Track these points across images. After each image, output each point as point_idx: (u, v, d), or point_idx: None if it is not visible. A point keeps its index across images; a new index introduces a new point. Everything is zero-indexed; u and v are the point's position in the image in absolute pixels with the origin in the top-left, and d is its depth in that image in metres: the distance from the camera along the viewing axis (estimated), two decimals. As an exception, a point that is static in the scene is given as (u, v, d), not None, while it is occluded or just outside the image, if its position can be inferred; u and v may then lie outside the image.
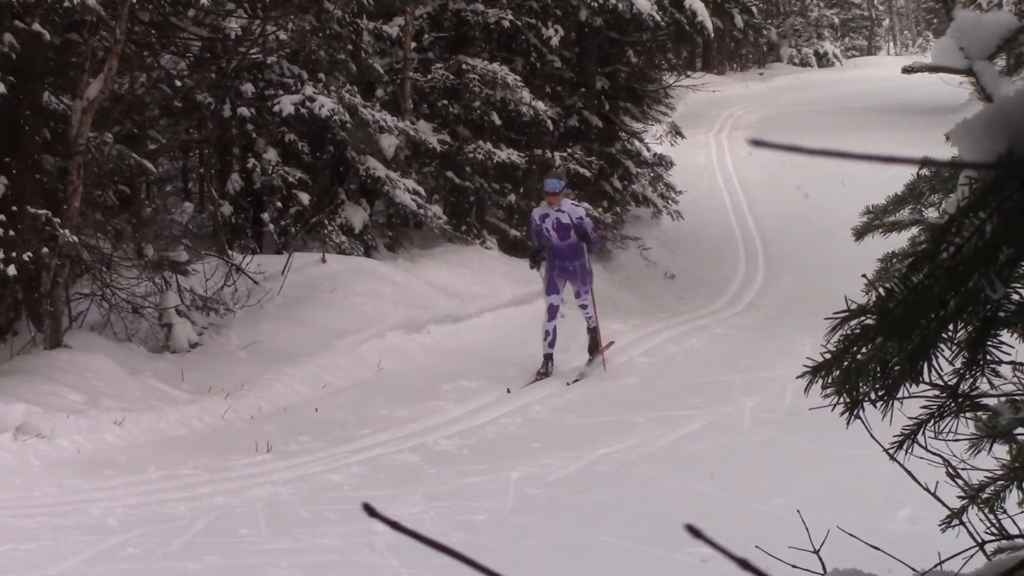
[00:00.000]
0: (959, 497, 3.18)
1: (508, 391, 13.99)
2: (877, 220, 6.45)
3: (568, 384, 14.35)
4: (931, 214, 6.39)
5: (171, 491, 10.33)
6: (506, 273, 19.46)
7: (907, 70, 1.83)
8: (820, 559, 3.25)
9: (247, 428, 12.60)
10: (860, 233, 6.50)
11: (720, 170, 31.76)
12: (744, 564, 1.19)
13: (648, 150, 25.09)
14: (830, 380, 1.76)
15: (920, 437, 2.98)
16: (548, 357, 14.78)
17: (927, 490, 2.93)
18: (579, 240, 14.63)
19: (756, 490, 9.50)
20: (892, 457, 3.08)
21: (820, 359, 1.79)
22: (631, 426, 12.45)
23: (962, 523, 2.45)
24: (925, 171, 6.93)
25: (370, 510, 1.17)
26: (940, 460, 3.07)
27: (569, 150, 21.96)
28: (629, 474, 10.66)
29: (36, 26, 13.36)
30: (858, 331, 1.66)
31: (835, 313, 1.74)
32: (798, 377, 1.88)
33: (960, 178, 1.60)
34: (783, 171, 30.49)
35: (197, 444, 11.99)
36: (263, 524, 9.30)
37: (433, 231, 19.61)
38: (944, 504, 2.81)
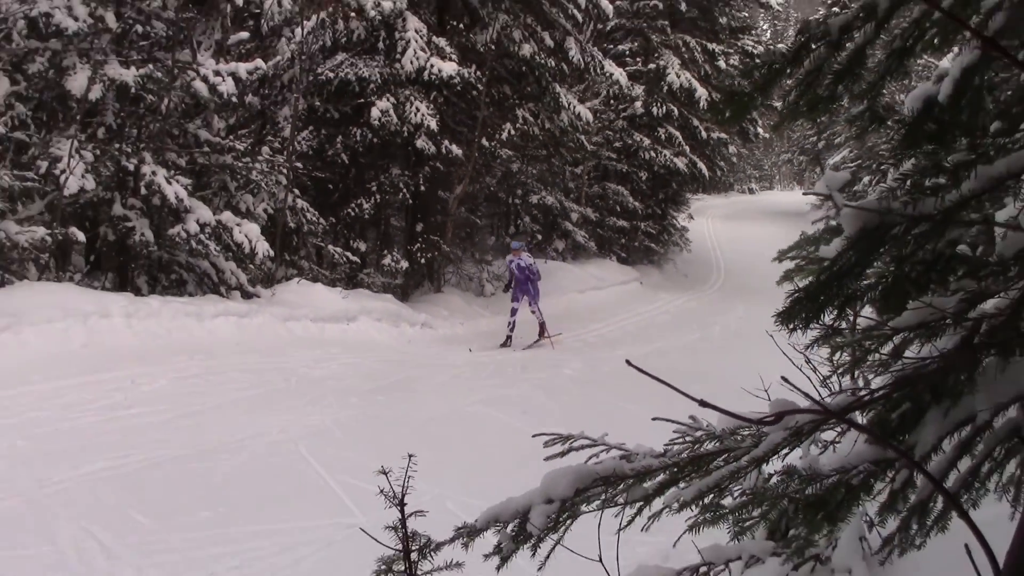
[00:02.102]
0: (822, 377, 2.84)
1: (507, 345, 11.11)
2: (783, 255, 6.44)
3: (524, 349, 10.93)
4: (811, 251, 6.19)
5: (481, 354, 10.23)
6: (617, 271, 18.77)
7: (805, 193, 1.70)
8: (768, 394, 2.85)
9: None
10: (779, 258, 6.51)
11: (708, 234, 29.99)
12: (703, 403, 1.14)
13: (678, 223, 24.15)
14: (782, 318, 1.58)
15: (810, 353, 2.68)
16: (509, 337, 11.26)
17: (799, 382, 1.93)
18: (530, 277, 11.38)
19: (721, 365, 9.03)
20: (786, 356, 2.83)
21: (782, 309, 1.60)
22: (659, 336, 12.02)
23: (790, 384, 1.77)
24: (808, 233, 6.69)
25: (628, 363, 1.01)
26: (801, 353, 2.75)
27: (646, 223, 21.47)
28: (657, 358, 10.08)
29: (437, 164, 13.72)
30: (796, 298, 1.56)
31: (790, 291, 1.59)
32: (772, 317, 1.63)
33: (840, 236, 1.50)
34: (738, 236, 28.80)
35: (492, 335, 11.76)
36: (519, 369, 9.22)
37: (588, 252, 19.61)
38: (800, 385, 1.96)
